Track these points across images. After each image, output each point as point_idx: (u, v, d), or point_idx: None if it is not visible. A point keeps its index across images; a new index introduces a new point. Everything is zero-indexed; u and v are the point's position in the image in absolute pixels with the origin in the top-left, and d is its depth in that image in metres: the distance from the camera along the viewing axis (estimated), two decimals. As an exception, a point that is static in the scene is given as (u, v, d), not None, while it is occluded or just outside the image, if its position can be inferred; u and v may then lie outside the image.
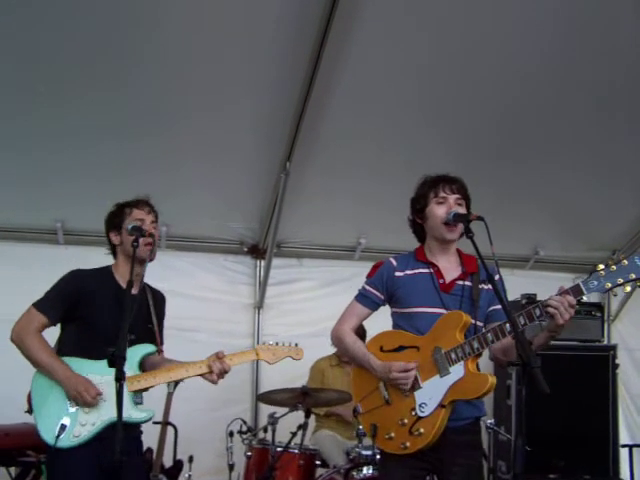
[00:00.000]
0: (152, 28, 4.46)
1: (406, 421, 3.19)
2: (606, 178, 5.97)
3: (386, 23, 4.45)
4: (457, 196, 3.37)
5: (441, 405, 3.12)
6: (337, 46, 4.48)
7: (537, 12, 4.44)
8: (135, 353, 3.39)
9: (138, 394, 3.40)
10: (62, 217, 5.87)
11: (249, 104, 5.01)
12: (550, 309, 2.97)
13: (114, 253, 3.62)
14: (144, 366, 3.47)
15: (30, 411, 3.29)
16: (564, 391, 5.27)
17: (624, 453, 5.93)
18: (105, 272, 3.55)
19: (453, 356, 3.14)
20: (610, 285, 2.97)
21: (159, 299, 3.72)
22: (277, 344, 3.71)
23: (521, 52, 4.72)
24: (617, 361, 6.16)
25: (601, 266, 3.01)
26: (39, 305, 3.37)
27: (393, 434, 3.22)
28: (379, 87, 4.93)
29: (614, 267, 2.97)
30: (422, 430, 3.13)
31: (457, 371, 3.13)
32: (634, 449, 5.87)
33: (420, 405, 3.16)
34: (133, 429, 3.41)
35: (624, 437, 6.48)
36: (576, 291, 2.99)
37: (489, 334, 3.08)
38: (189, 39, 4.53)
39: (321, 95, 4.82)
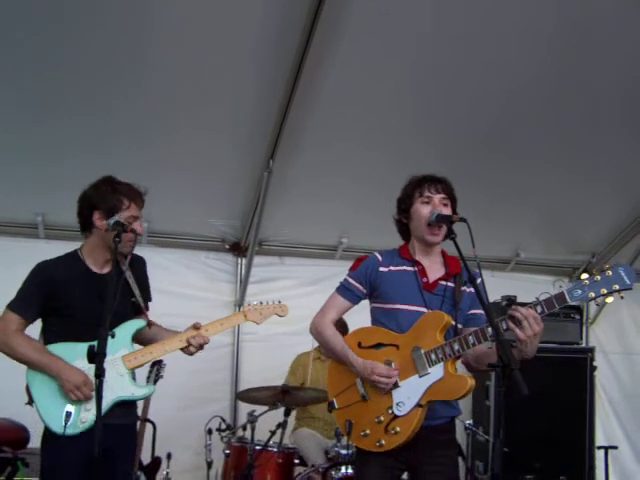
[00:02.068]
0: (138, 42, 4.49)
1: (382, 419, 3.19)
2: (587, 183, 6.02)
3: (372, 24, 4.45)
4: (442, 196, 3.38)
5: (419, 405, 3.13)
6: (322, 47, 4.47)
7: (528, 15, 4.46)
8: (127, 330, 3.38)
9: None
10: (43, 210, 5.80)
11: (233, 103, 4.98)
12: (510, 323, 2.97)
13: (85, 231, 3.48)
14: (141, 342, 3.45)
15: (30, 402, 3.26)
16: (542, 393, 5.32)
17: (600, 455, 5.98)
18: (72, 257, 3.47)
19: (433, 357, 3.14)
20: (594, 295, 2.96)
21: (138, 265, 3.62)
22: (262, 303, 3.72)
23: (510, 55, 4.73)
24: (594, 364, 6.22)
25: (585, 275, 3.02)
26: (13, 306, 3.32)
27: (368, 431, 3.23)
28: (364, 88, 4.92)
29: (598, 277, 2.96)
30: (398, 429, 3.14)
31: (436, 372, 3.14)
32: (610, 451, 5.91)
33: (397, 404, 3.17)
34: (131, 410, 3.44)
35: (600, 439, 6.55)
36: (560, 299, 2.98)
37: (470, 337, 3.08)
38: (174, 42, 4.52)
39: (305, 95, 4.81)
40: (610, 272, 2.95)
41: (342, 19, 4.38)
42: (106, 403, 3.18)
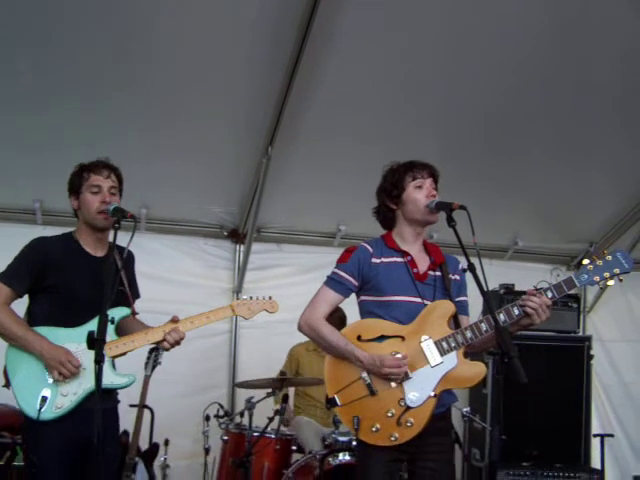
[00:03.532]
0: (137, 32, 4.55)
1: (394, 412, 3.13)
2: (584, 173, 6.03)
3: (369, 18, 4.45)
4: (431, 179, 3.39)
5: (432, 395, 3.12)
6: (320, 37, 4.46)
7: (523, 10, 4.47)
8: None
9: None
10: (41, 197, 5.78)
11: (231, 90, 4.97)
12: (528, 309, 3.07)
13: (76, 216, 3.51)
14: (118, 331, 3.39)
15: (7, 385, 3.23)
16: (539, 381, 5.34)
17: (596, 443, 6.00)
18: (68, 238, 3.45)
19: (445, 346, 3.15)
20: (598, 279, 3.16)
21: (128, 259, 3.59)
22: (251, 298, 3.71)
23: (507, 47, 4.74)
24: (591, 352, 6.24)
25: (587, 261, 3.19)
26: (3, 277, 3.26)
27: (379, 426, 3.14)
28: (363, 79, 4.92)
29: (600, 262, 3.15)
30: (412, 420, 3.10)
31: (450, 360, 3.15)
32: (605, 439, 5.94)
33: (410, 395, 3.13)
34: (111, 396, 3.40)
35: (596, 427, 6.58)
36: (569, 283, 3.14)
37: (483, 324, 3.11)
38: (172, 31, 4.53)
39: (304, 82, 4.80)
40: (610, 257, 3.15)
41: (339, 14, 4.39)
42: (84, 390, 3.18)
